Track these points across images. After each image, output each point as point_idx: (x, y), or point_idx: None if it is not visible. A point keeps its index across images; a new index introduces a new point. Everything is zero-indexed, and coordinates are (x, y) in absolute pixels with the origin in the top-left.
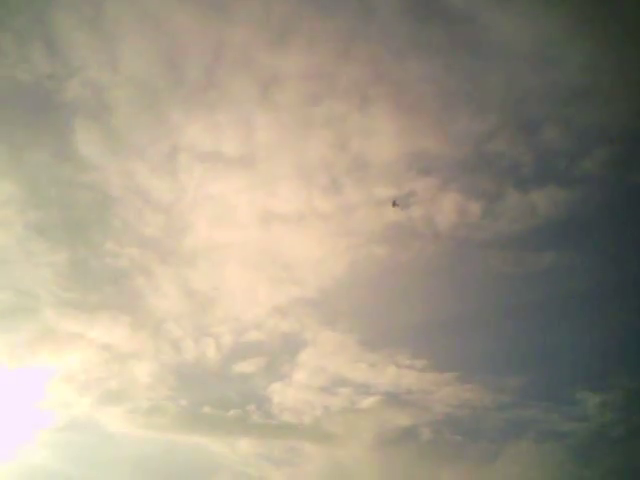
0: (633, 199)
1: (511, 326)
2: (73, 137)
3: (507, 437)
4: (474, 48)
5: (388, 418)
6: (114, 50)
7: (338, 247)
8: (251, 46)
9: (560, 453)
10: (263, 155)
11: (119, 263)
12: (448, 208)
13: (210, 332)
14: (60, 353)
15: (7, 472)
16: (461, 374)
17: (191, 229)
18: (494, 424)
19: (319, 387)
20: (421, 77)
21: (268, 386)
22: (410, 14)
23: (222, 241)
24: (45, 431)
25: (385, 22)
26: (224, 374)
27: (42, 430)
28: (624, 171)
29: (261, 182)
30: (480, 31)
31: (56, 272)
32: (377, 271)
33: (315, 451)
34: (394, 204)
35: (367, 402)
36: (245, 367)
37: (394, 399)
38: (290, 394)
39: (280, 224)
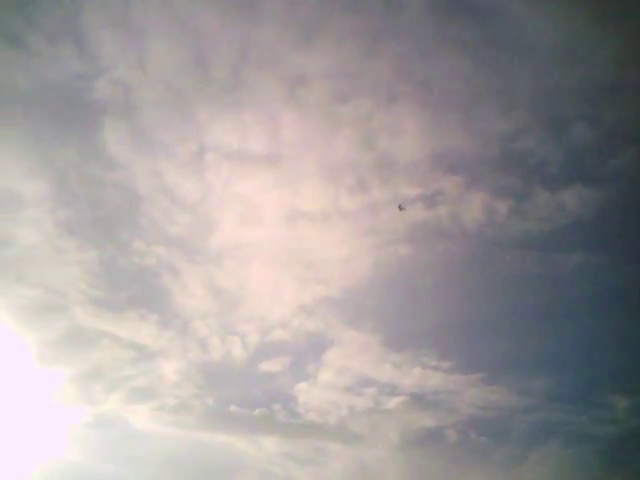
0: None
1: (538, 327)
2: (101, 136)
3: (534, 440)
4: (502, 45)
5: (413, 419)
6: (142, 50)
7: (363, 246)
8: (277, 45)
9: (589, 457)
10: (289, 154)
11: (146, 262)
12: (475, 207)
13: (236, 331)
14: (88, 351)
15: (39, 468)
16: (487, 375)
17: (217, 228)
18: (520, 426)
19: (344, 387)
20: (448, 74)
21: (294, 385)
22: (437, 11)
23: (248, 240)
24: (74, 428)
25: (412, 19)
26: (250, 373)
27: (71, 427)
28: None
29: (287, 181)
30: (508, 27)
31: (85, 270)
32: (402, 271)
33: (340, 451)
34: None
35: (392, 403)
36: (271, 366)
37: (419, 400)
38: (315, 393)
39: (306, 223)
